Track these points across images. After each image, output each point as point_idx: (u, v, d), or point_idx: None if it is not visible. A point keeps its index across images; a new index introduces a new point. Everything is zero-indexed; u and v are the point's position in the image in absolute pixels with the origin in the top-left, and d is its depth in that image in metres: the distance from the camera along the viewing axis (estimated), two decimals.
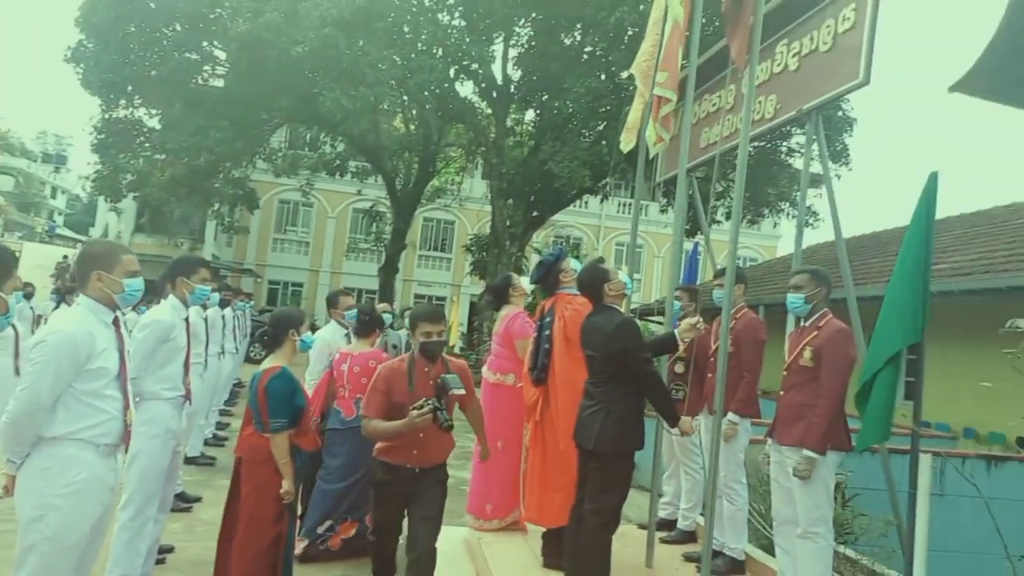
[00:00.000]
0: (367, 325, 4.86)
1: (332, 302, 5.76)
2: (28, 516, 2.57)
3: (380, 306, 7.86)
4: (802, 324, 3.60)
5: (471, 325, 20.98)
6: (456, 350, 17.61)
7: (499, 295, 4.99)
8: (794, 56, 4.97)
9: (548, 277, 4.32)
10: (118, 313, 2.89)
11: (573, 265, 4.45)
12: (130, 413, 2.85)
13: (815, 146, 4.69)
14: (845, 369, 3.35)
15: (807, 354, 3.41)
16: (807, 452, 3.35)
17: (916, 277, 3.04)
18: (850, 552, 4.94)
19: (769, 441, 3.73)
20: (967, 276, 8.35)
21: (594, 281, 3.57)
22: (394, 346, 7.27)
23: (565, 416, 3.85)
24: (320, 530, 4.65)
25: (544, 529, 4.21)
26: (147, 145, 18.36)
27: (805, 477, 3.37)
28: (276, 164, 21.06)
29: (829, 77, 4.52)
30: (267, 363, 3.55)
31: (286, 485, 3.38)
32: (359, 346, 4.81)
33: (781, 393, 3.61)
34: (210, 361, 6.07)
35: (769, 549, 4.45)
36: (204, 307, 5.31)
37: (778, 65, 5.17)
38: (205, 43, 16.88)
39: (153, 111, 18.04)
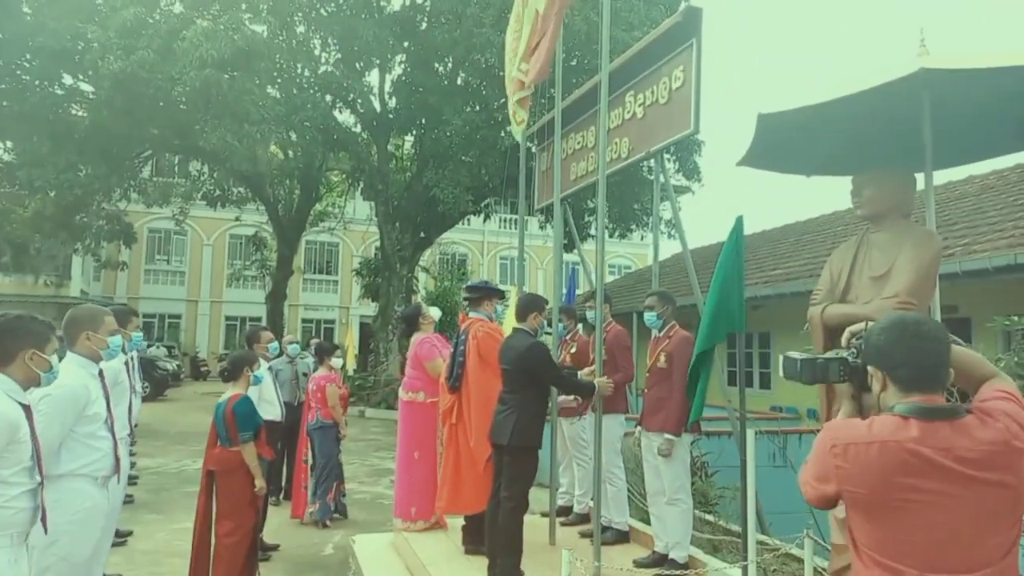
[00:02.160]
0: (232, 373, 4.69)
1: (254, 338, 6.28)
2: (43, 542, 3.04)
3: (287, 337, 8.31)
4: (656, 334, 4.61)
5: (367, 348, 21.27)
6: (350, 373, 17.91)
7: (410, 323, 5.75)
8: (640, 105, 6.05)
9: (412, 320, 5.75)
10: (102, 365, 3.42)
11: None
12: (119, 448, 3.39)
13: (671, 173, 5.79)
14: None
15: (662, 358, 4.43)
16: (667, 435, 4.34)
17: (725, 298, 4.06)
18: (709, 517, 6.04)
19: (638, 429, 4.71)
20: (796, 280, 9.92)
21: (525, 309, 4.45)
22: (304, 374, 7.74)
23: (476, 417, 4.68)
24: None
25: (463, 523, 5.00)
26: (5, 183, 17.45)
27: (666, 455, 4.36)
28: (148, 194, 20.52)
29: (668, 125, 5.60)
30: (229, 392, 4.57)
31: (259, 483, 4.44)
32: (233, 390, 4.62)
33: (645, 390, 4.61)
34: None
35: (648, 520, 5.45)
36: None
37: (628, 112, 6.26)
38: (68, 76, 16.34)
39: (8, 146, 17.18)
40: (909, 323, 1.69)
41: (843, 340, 1.97)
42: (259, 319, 29.09)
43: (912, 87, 2.90)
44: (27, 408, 2.59)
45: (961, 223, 9.35)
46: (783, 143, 3.65)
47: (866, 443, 1.56)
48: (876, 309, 3.04)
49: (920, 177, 3.40)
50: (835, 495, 1.64)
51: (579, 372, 4.80)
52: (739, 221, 4.32)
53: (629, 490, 5.66)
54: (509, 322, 7.50)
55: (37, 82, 15.65)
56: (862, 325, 1.93)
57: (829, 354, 1.97)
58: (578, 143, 7.15)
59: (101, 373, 3.44)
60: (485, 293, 5.10)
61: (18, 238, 18.32)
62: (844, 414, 1.91)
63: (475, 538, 4.79)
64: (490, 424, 4.35)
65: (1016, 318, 4.75)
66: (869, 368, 1.74)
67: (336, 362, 7.36)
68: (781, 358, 2.19)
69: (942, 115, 3.20)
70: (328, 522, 6.72)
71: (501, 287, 5.79)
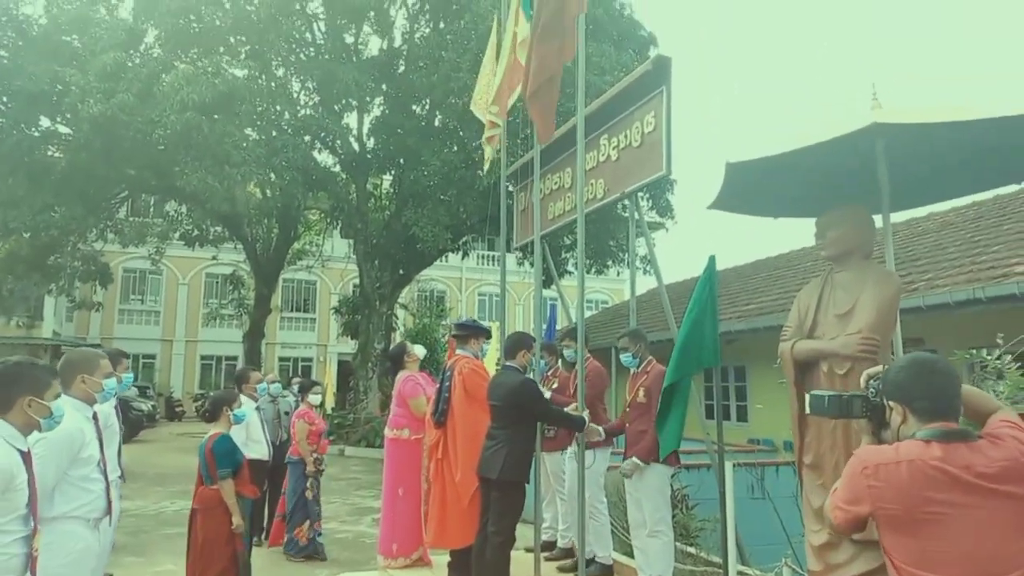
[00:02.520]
0: (213, 413, 4.88)
1: (242, 378, 6.34)
2: None
3: (268, 376, 8.34)
4: (634, 371, 4.78)
5: (346, 385, 21.15)
6: (328, 410, 17.79)
7: (396, 361, 5.86)
8: (614, 149, 6.30)
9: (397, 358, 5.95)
10: (96, 408, 3.49)
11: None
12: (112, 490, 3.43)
13: (645, 211, 6.02)
14: None
15: (641, 393, 4.58)
16: (634, 459, 4.49)
17: (697, 334, 4.25)
18: (691, 549, 6.14)
19: (622, 462, 4.84)
20: (769, 315, 10.19)
21: (514, 347, 4.62)
22: (286, 412, 7.77)
23: (462, 452, 4.78)
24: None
25: (449, 559, 5.04)
26: None
27: (627, 476, 4.51)
28: (124, 234, 20.45)
29: (641, 168, 5.85)
30: (211, 431, 4.73)
31: (235, 521, 4.52)
32: (214, 429, 4.77)
33: (627, 424, 4.75)
34: None
35: (632, 554, 5.53)
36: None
37: (603, 155, 6.51)
38: (46, 119, 16.38)
39: None
40: (926, 361, 1.94)
41: (861, 382, 2.22)
42: (235, 358, 28.80)
43: (867, 137, 3.14)
44: (26, 455, 2.62)
45: (924, 259, 9.72)
46: (750, 188, 3.87)
47: (895, 463, 1.77)
48: (841, 344, 3.24)
49: (879, 218, 3.64)
50: (867, 515, 1.82)
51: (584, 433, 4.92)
52: (711, 261, 4.54)
53: (613, 524, 5.76)
54: (491, 359, 7.64)
55: (13, 125, 15.67)
56: (879, 368, 2.18)
57: (853, 391, 2.25)
58: (555, 183, 7.39)
59: (95, 416, 3.50)
60: (472, 332, 5.25)
61: None
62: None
63: (461, 573, 4.84)
64: (477, 459, 4.45)
65: (974, 351, 4.98)
66: (890, 403, 1.96)
67: (314, 398, 7.41)
68: (808, 396, 2.49)
69: (898, 160, 3.44)
70: (300, 557, 6.74)
71: (483, 323, 5.95)
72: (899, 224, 14.00)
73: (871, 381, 2.12)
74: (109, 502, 3.42)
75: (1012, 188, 11.66)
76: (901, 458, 1.76)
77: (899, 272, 9.47)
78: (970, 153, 3.44)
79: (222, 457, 4.56)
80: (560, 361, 6.47)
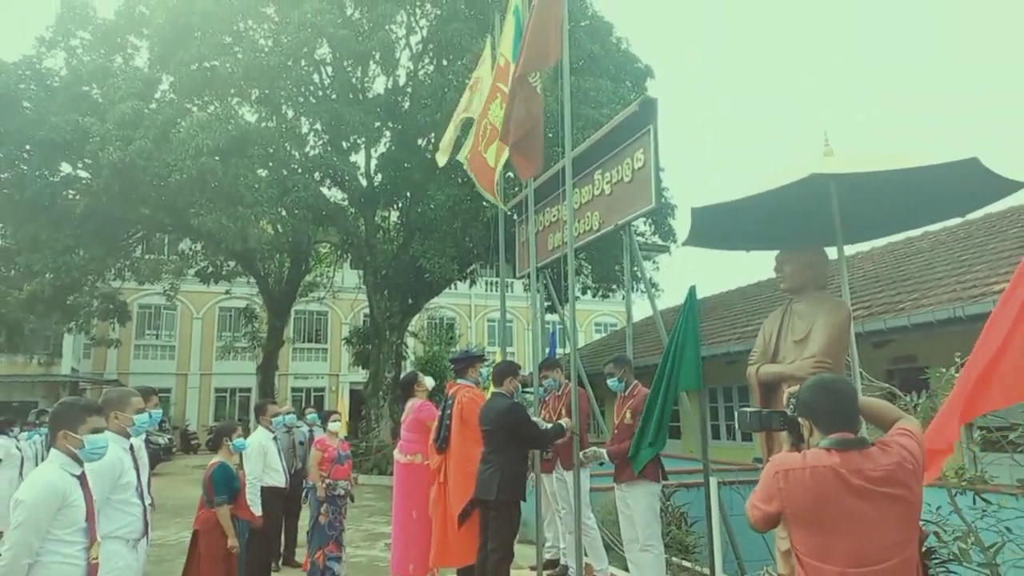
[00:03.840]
0: (215, 442, 5.34)
1: (260, 410, 6.76)
2: None
3: (283, 408, 8.71)
4: (622, 394, 5.14)
5: (358, 414, 21.49)
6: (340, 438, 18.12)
7: (406, 389, 6.25)
8: (607, 183, 6.73)
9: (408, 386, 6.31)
10: (132, 440, 3.91)
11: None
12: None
13: (648, 236, 6.41)
14: None
15: (628, 415, 4.95)
16: (594, 448, 4.88)
17: (678, 360, 4.62)
18: (687, 563, 6.43)
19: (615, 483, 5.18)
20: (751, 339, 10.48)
21: (501, 375, 5.06)
22: (300, 443, 8.13)
23: (453, 477, 5.17)
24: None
25: None
26: (2, 267, 17.99)
27: (584, 462, 4.94)
28: (139, 271, 21.08)
29: (632, 201, 6.27)
30: (212, 460, 5.17)
31: (231, 542, 4.93)
32: (216, 458, 5.18)
33: (614, 445, 5.09)
34: None
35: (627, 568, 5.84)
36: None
37: (597, 189, 6.94)
38: (67, 165, 17.07)
39: (7, 231, 17.79)
40: (826, 382, 2.30)
41: (784, 399, 2.58)
42: (249, 390, 29.25)
43: (820, 179, 3.53)
44: (81, 477, 3.12)
45: (912, 279, 10.04)
46: (718, 227, 4.27)
47: (802, 468, 2.12)
48: (798, 368, 3.61)
49: (833, 252, 4.02)
50: (776, 513, 2.17)
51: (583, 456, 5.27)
52: (692, 291, 4.92)
53: (610, 539, 6.07)
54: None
55: (36, 171, 16.35)
56: (797, 388, 2.53)
57: (772, 408, 2.66)
58: (553, 216, 7.81)
59: (132, 447, 3.91)
60: (468, 361, 5.64)
61: (13, 320, 18.69)
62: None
63: None
64: (465, 484, 4.84)
65: (944, 369, 5.31)
66: (800, 419, 2.34)
67: (333, 426, 7.78)
68: (736, 413, 2.85)
69: (853, 197, 3.83)
70: None
71: (489, 348, 6.36)
72: (896, 243, 14.31)
73: (791, 399, 2.48)
74: (146, 524, 3.83)
75: (1003, 206, 12.00)
76: (806, 464, 2.11)
77: (887, 293, 9.84)
78: (918, 192, 3.82)
79: (220, 484, 4.96)
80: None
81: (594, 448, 5.15)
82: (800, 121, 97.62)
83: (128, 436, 3.91)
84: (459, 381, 5.58)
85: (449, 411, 5.37)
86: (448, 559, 5.26)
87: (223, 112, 14.55)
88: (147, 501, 4.82)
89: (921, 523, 3.47)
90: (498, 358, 7.75)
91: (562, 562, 6.18)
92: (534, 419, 5.68)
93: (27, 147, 16.24)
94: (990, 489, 4.07)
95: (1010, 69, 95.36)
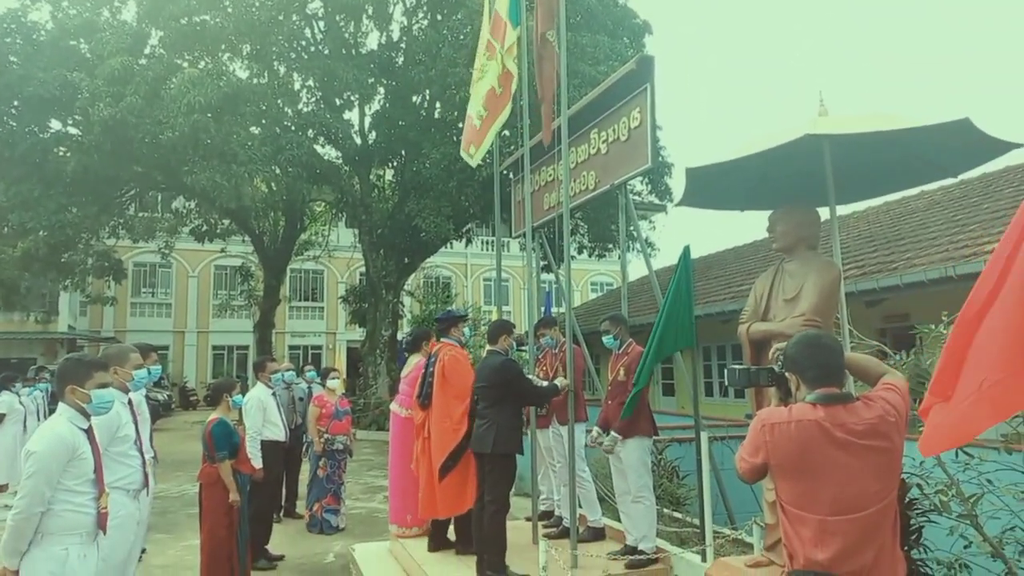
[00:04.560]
0: (214, 398, 5.43)
1: (259, 367, 6.87)
2: None
3: (284, 365, 8.81)
4: (616, 352, 5.23)
5: (356, 372, 21.71)
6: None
7: (415, 345, 6.31)
8: (603, 142, 6.72)
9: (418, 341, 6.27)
10: (131, 395, 4.00)
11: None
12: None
13: (644, 195, 6.43)
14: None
15: (621, 372, 5.04)
16: (613, 433, 4.97)
17: (674, 319, 4.70)
18: (678, 514, 6.62)
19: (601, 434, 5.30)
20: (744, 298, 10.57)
21: (495, 333, 5.15)
22: (300, 399, 8.26)
23: (434, 432, 5.28)
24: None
25: (452, 527, 5.54)
26: None
27: (609, 452, 4.97)
28: (134, 229, 21.01)
29: (628, 161, 6.28)
30: (211, 416, 5.21)
31: (232, 496, 5.03)
32: (214, 414, 5.25)
33: (608, 401, 5.21)
34: None
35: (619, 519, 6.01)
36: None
37: (593, 148, 6.93)
38: (57, 122, 16.85)
39: None
40: (812, 337, 2.37)
41: (770, 355, 2.63)
42: (246, 347, 29.44)
43: (813, 139, 3.54)
44: (88, 431, 3.23)
45: (907, 239, 10.10)
46: (711, 187, 4.29)
47: (787, 422, 2.19)
48: (788, 326, 3.67)
49: (825, 212, 4.06)
50: (763, 465, 2.25)
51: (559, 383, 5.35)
52: (686, 250, 4.97)
53: (603, 492, 6.23)
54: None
55: (26, 128, 16.14)
56: (784, 344, 2.58)
57: (761, 365, 2.65)
58: (549, 176, 7.80)
59: (131, 401, 4.00)
60: (452, 321, 5.70)
61: (8, 278, 18.68)
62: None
63: (467, 538, 5.35)
64: (452, 437, 5.04)
65: (932, 326, 5.40)
66: (787, 374, 2.40)
67: (331, 383, 7.90)
68: (726, 371, 2.90)
69: (846, 158, 3.85)
70: (316, 531, 7.40)
71: (485, 307, 6.43)
72: (891, 203, 14.33)
73: (778, 355, 2.54)
74: (146, 475, 3.95)
75: (999, 165, 11.99)
76: (792, 418, 2.19)
77: (881, 252, 9.91)
78: (911, 150, 3.85)
79: (220, 440, 5.05)
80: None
81: (598, 430, 5.27)
82: (796, 79, 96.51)
83: (127, 391, 3.99)
84: (442, 340, 5.65)
85: (432, 368, 5.45)
86: (434, 511, 5.39)
87: (214, 68, 14.31)
88: (149, 454, 4.97)
89: (904, 476, 3.61)
90: (494, 317, 7.82)
91: (556, 513, 6.34)
92: (529, 376, 5.79)
93: (15, 103, 16.02)
94: (973, 444, 4.19)
95: (1003, 31, 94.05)
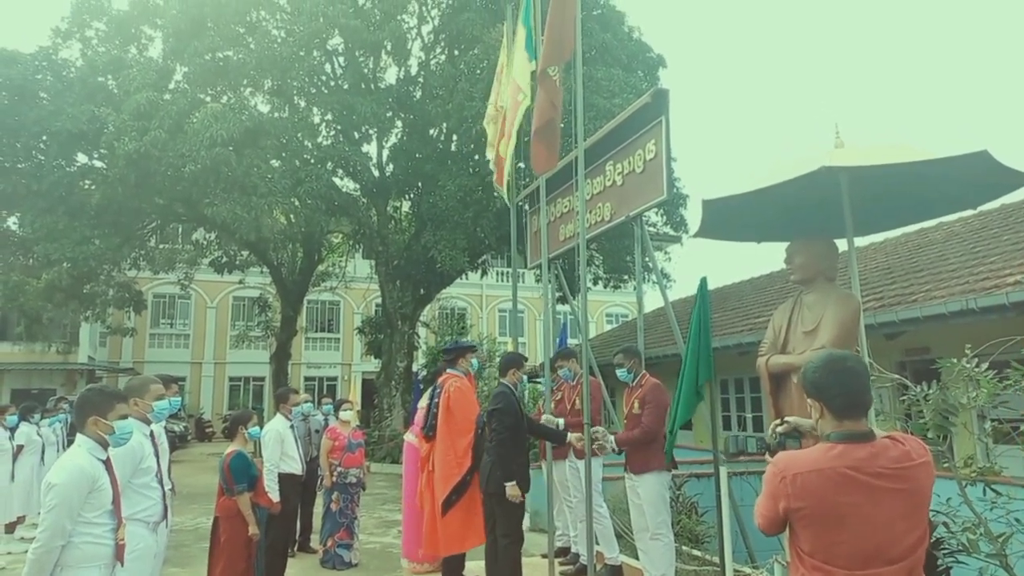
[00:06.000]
0: (231, 431, 5.53)
1: (282, 398, 6.86)
2: None
3: (300, 397, 8.81)
4: (630, 384, 5.19)
5: (371, 403, 21.66)
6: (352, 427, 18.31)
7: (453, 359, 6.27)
8: (619, 174, 6.75)
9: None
10: (153, 427, 4.00)
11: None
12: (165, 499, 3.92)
13: (660, 226, 6.43)
14: (659, 409, 4.92)
15: (636, 405, 4.99)
16: (601, 428, 4.93)
17: (696, 351, 4.66)
18: (697, 552, 6.48)
19: (625, 472, 5.24)
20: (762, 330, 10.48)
21: (504, 367, 5.17)
22: (316, 431, 8.24)
23: (436, 465, 5.23)
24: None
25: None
26: (21, 256, 18.23)
27: (601, 448, 4.93)
28: (154, 261, 21.31)
29: (644, 192, 6.30)
30: (229, 448, 5.23)
31: (252, 529, 5.05)
32: (232, 446, 5.31)
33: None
34: None
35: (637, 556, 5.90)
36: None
37: (609, 180, 6.96)
38: (83, 156, 17.24)
39: (25, 221, 18.02)
40: (838, 360, 2.13)
41: (769, 430, 2.52)
42: (262, 379, 29.52)
43: (830, 172, 3.54)
44: (107, 462, 3.23)
45: (926, 270, 9.98)
46: (729, 219, 4.29)
47: (807, 472, 2.01)
48: (808, 359, 3.62)
49: (843, 243, 4.03)
50: (784, 516, 2.06)
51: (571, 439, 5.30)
52: (703, 282, 4.95)
53: (623, 529, 6.13)
54: None
55: (54, 162, 16.51)
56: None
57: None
58: (565, 207, 7.84)
59: (152, 433, 4.01)
60: (459, 352, 5.69)
61: (31, 308, 18.95)
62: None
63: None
64: (454, 471, 5.03)
65: (955, 360, 5.32)
66: (809, 400, 2.17)
67: (344, 415, 7.86)
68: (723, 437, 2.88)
69: (863, 189, 3.84)
70: (330, 566, 7.26)
71: (500, 339, 6.41)
72: (909, 234, 14.20)
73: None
74: (165, 507, 3.93)
75: (1019, 196, 11.86)
76: (813, 467, 2.02)
77: (900, 284, 9.80)
78: (929, 184, 3.83)
79: (238, 473, 5.05)
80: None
81: (603, 429, 5.18)
82: (810, 111, 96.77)
83: (148, 422, 4.00)
84: (449, 371, 5.64)
85: (437, 399, 5.44)
86: (435, 548, 5.29)
87: (236, 103, 14.63)
88: (167, 486, 4.97)
89: (930, 514, 3.51)
90: (509, 348, 7.79)
91: (573, 550, 6.24)
92: (547, 416, 5.76)
93: (44, 138, 16.42)
94: (1001, 481, 4.09)
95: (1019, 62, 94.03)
